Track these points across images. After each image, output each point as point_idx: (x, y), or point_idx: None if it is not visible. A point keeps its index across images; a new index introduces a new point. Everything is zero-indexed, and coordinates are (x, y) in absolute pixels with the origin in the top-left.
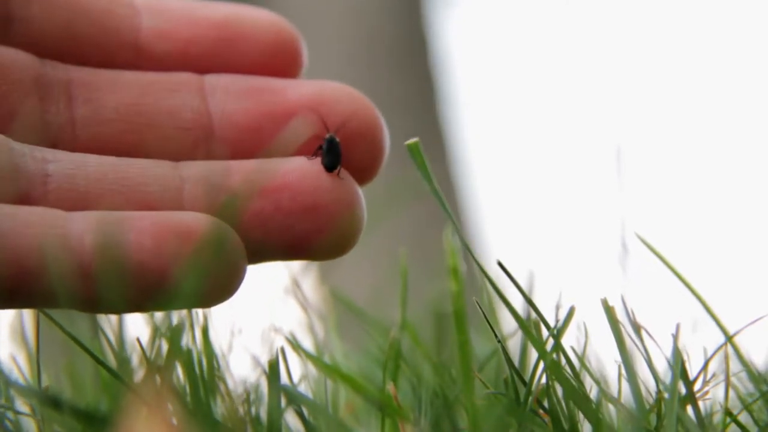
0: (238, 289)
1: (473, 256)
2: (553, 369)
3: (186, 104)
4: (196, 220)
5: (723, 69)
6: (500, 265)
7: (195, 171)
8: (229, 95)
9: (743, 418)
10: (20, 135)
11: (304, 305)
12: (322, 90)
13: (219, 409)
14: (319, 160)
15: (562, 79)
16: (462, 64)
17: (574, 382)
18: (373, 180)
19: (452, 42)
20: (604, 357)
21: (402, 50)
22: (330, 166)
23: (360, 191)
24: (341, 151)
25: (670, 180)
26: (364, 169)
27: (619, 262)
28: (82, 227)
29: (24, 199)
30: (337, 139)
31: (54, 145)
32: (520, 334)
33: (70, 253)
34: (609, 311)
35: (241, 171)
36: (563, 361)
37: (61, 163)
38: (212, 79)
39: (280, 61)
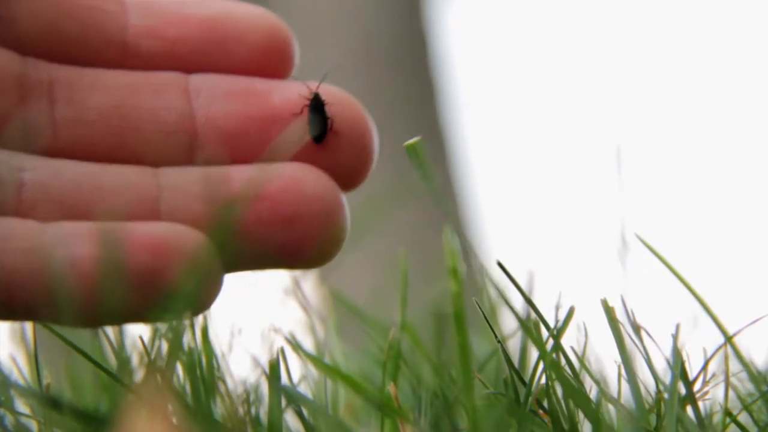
0: (214, 301)
1: (474, 255)
2: (553, 369)
3: (170, 106)
4: (167, 232)
5: (723, 69)
6: (500, 265)
7: (174, 179)
8: (215, 97)
9: (743, 418)
10: (2, 135)
11: (304, 305)
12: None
13: (219, 409)
14: (304, 167)
15: (562, 79)
16: (462, 64)
17: (573, 382)
18: (359, 186)
19: (452, 42)
20: (604, 357)
21: (402, 50)
22: (318, 137)
23: (344, 200)
24: (327, 116)
25: (670, 180)
26: (351, 175)
27: (619, 262)
28: (53, 241)
29: None
30: (323, 99)
31: (33, 147)
32: (520, 334)
33: (38, 266)
34: (609, 311)
35: (221, 179)
36: (563, 361)
37: (37, 171)
38: (198, 80)
39: (270, 61)
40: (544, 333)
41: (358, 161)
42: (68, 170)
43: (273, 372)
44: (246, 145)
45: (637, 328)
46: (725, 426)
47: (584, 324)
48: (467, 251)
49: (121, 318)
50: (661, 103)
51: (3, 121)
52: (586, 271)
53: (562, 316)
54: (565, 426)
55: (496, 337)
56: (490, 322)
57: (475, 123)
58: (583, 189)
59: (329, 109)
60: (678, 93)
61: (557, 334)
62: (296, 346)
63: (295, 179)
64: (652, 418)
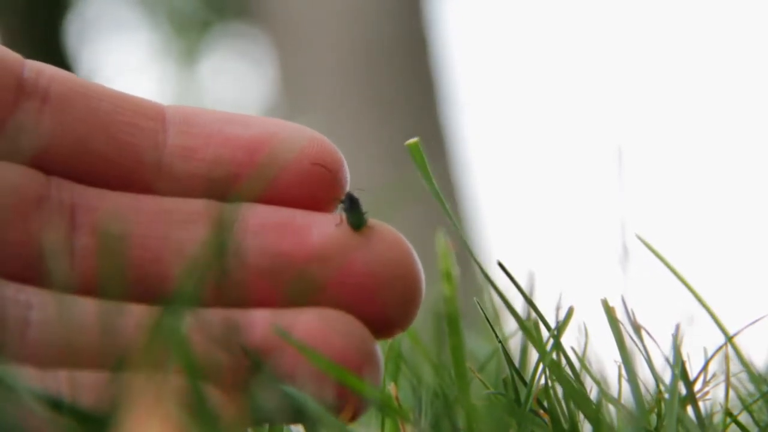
0: None
1: (473, 257)
2: (553, 369)
3: (197, 239)
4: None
5: (723, 69)
6: (500, 265)
7: (191, 323)
8: (248, 230)
9: (743, 418)
10: (13, 265)
11: None
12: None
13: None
14: (335, 314)
15: (563, 79)
16: (462, 64)
17: (574, 383)
18: (401, 332)
19: (452, 42)
20: (604, 357)
21: (402, 51)
22: (357, 225)
23: (378, 351)
24: (364, 211)
25: (671, 181)
26: (393, 319)
27: (619, 263)
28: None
29: None
30: (356, 196)
31: (46, 280)
32: (520, 334)
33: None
34: (609, 311)
35: (243, 325)
36: (563, 361)
37: (44, 310)
38: None
39: (316, 190)
40: (545, 333)
41: (401, 304)
42: (77, 309)
43: None
44: (277, 285)
45: (637, 328)
46: (725, 426)
47: (584, 324)
48: (467, 252)
49: None
50: (661, 104)
51: (19, 249)
52: (587, 271)
53: (562, 316)
54: (566, 426)
55: (496, 336)
56: (490, 321)
57: (475, 123)
58: (584, 189)
59: (372, 292)
60: (678, 93)
61: (557, 334)
62: (297, 346)
63: (322, 329)
64: (653, 418)
